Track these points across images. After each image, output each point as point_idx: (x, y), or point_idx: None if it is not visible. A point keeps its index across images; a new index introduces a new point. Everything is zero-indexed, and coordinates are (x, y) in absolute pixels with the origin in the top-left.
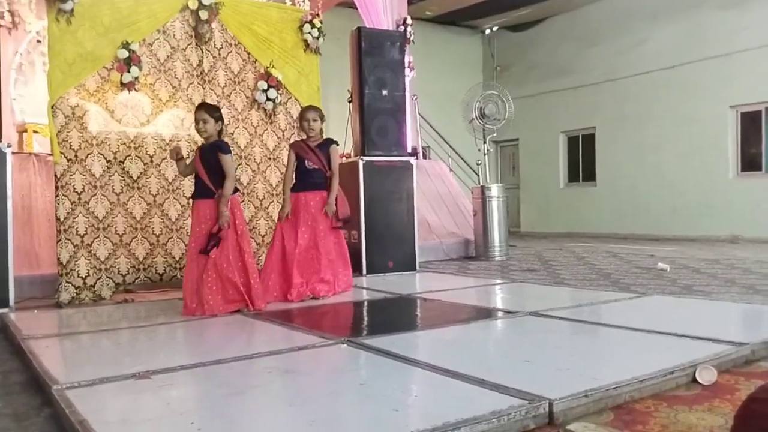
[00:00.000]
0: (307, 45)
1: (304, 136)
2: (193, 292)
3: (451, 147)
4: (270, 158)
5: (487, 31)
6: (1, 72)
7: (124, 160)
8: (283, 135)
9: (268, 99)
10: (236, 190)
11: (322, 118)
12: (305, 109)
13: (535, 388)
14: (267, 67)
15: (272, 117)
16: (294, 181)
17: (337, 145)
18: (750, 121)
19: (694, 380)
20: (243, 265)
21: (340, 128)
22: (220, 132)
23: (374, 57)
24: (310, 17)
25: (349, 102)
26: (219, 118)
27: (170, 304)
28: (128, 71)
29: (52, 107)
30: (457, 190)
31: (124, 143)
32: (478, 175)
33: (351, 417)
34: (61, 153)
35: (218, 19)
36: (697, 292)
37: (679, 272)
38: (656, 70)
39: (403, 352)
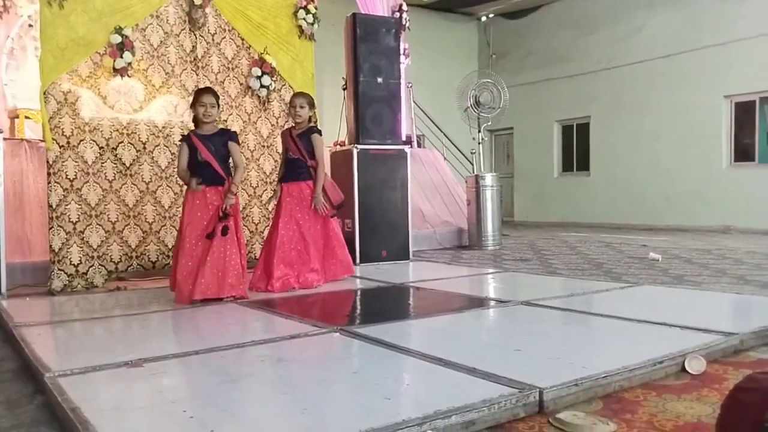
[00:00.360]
0: (301, 31)
1: (293, 124)
2: (191, 278)
3: (445, 135)
4: (264, 146)
5: (483, 18)
6: None
7: (117, 146)
8: (277, 122)
9: (262, 86)
10: None
11: (311, 105)
12: (294, 96)
13: (526, 376)
14: (261, 54)
15: (266, 104)
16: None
17: (320, 134)
18: (744, 111)
19: (684, 370)
20: (240, 253)
21: (335, 116)
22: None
23: (369, 44)
24: (304, 3)
25: (344, 89)
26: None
27: (163, 292)
28: (121, 57)
29: (44, 93)
30: (451, 179)
31: (117, 130)
32: (472, 164)
33: (343, 405)
34: (53, 139)
35: (212, 4)
36: (688, 282)
37: (671, 262)
38: (652, 59)
39: (395, 341)
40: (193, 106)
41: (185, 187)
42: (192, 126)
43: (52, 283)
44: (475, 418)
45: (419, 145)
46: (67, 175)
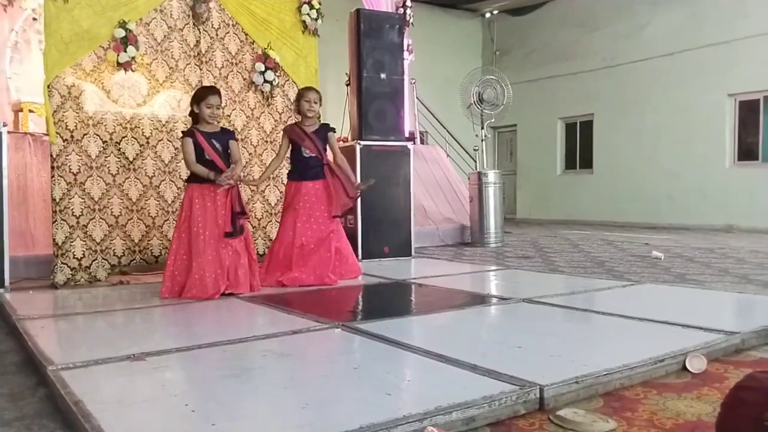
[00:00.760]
0: (305, 26)
1: (299, 119)
2: (222, 274)
3: (448, 132)
4: (267, 141)
5: (487, 15)
6: None
7: (121, 141)
8: (280, 118)
9: (265, 81)
10: None
11: (320, 101)
12: (307, 90)
13: (527, 374)
14: (265, 49)
15: (269, 99)
16: (289, 168)
17: (334, 131)
18: (748, 110)
19: (684, 368)
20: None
21: (338, 112)
22: None
23: (373, 39)
24: None
25: (347, 85)
26: None
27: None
28: (125, 51)
29: (48, 86)
30: (454, 176)
31: (120, 124)
32: (475, 161)
33: (344, 400)
34: (56, 133)
35: None
36: (690, 281)
37: (673, 261)
38: (656, 57)
39: (397, 337)
40: (197, 103)
41: (187, 182)
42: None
43: (55, 276)
44: (476, 415)
45: (422, 142)
46: (70, 169)
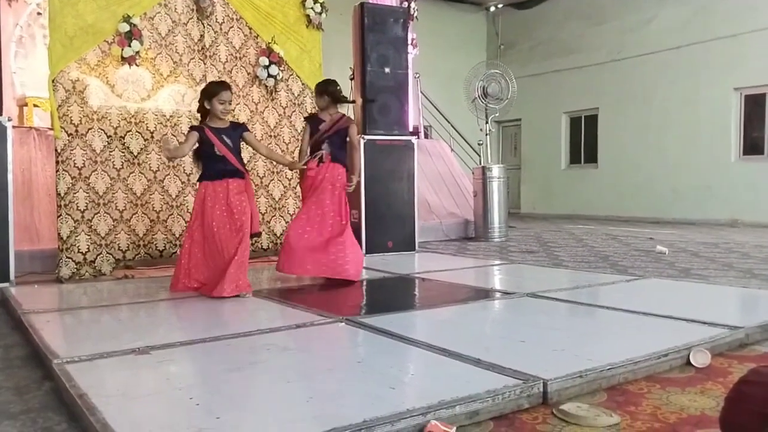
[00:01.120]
0: (309, 20)
1: (314, 111)
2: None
3: (452, 126)
4: (271, 135)
5: (492, 9)
6: (1, 44)
7: (125, 135)
8: (284, 112)
9: (269, 75)
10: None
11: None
12: (331, 82)
13: (530, 368)
14: (269, 43)
15: (273, 93)
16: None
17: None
18: (754, 104)
19: (688, 363)
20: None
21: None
22: None
23: (377, 33)
24: None
25: (351, 79)
26: None
27: (170, 280)
28: (129, 45)
29: (52, 81)
30: (458, 171)
31: (125, 118)
32: (479, 156)
33: (348, 394)
34: (61, 128)
35: None
36: (695, 276)
37: (678, 255)
38: (662, 51)
39: (400, 331)
40: (209, 99)
41: (196, 178)
42: (199, 116)
43: (60, 270)
44: (479, 409)
45: (426, 136)
46: (75, 164)
